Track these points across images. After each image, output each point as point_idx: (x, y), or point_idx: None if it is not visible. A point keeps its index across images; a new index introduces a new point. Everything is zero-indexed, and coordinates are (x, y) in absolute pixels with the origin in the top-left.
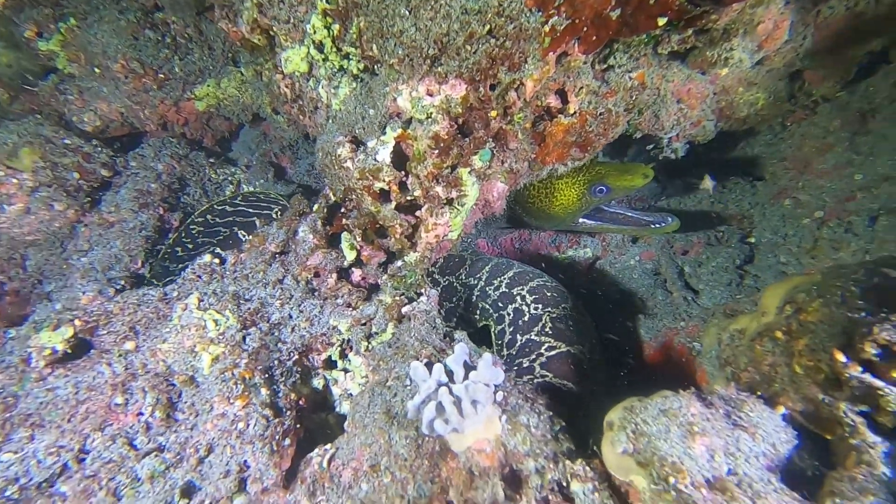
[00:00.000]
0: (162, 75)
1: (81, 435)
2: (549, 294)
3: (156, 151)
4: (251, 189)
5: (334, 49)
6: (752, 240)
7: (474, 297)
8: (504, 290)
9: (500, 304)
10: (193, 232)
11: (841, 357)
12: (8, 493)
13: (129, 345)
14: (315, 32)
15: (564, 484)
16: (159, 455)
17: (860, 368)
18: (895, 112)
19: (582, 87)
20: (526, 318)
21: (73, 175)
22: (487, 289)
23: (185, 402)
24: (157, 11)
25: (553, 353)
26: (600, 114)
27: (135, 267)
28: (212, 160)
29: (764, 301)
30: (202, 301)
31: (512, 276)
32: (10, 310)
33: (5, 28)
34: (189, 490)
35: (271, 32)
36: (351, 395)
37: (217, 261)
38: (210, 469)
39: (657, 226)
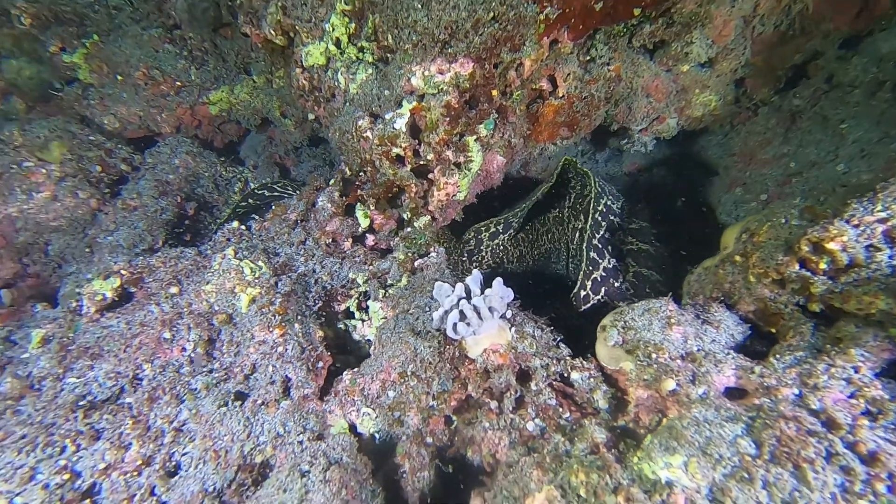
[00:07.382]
0: (179, 83)
1: (135, 364)
2: None
3: (172, 149)
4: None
5: (351, 45)
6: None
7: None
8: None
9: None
10: (240, 213)
11: (782, 257)
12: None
13: (174, 289)
14: (334, 30)
15: (566, 374)
16: (209, 375)
17: (797, 265)
18: (815, 113)
19: (569, 74)
20: None
21: (96, 168)
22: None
23: (224, 341)
24: (177, 29)
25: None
26: (584, 97)
27: (157, 245)
28: (222, 159)
29: (724, 240)
30: (238, 253)
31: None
32: (28, 292)
33: (30, 45)
34: (241, 396)
35: (292, 34)
36: (369, 341)
37: (244, 227)
38: (256, 382)
39: None
